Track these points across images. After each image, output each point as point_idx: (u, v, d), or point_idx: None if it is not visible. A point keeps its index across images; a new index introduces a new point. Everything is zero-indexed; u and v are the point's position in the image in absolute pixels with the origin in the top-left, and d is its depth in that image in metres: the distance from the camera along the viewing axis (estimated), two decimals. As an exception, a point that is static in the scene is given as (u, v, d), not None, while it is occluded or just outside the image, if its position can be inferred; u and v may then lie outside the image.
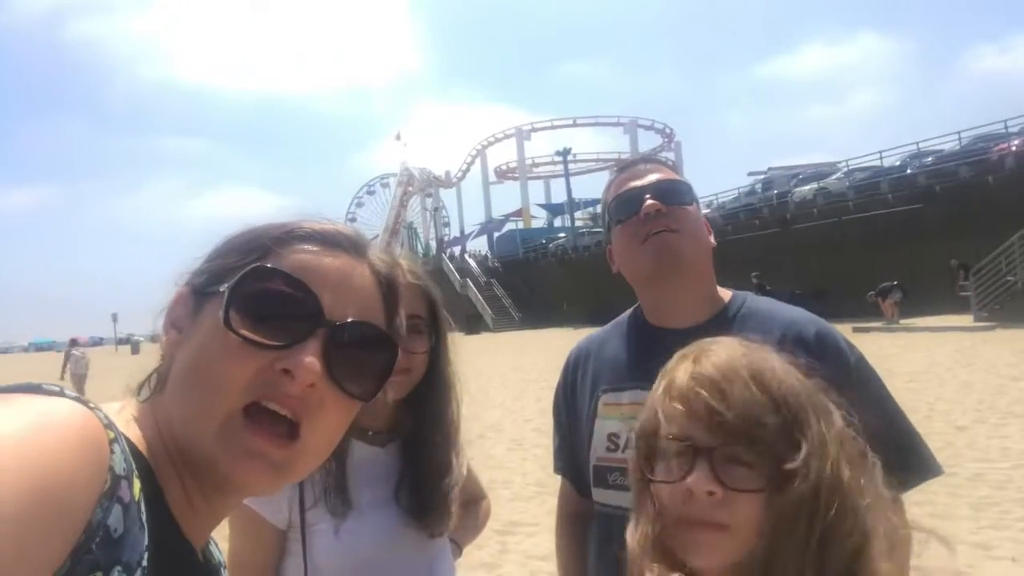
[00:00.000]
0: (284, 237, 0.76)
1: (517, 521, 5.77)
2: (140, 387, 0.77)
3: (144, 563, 0.59)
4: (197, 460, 0.69)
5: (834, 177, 31.22)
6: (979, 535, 4.68)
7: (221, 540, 1.33)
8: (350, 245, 0.79)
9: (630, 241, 1.50)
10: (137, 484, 0.61)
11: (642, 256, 1.48)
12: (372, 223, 76.77)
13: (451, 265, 52.97)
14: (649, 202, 1.47)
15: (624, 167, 1.62)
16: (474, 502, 1.83)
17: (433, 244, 65.50)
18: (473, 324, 42.00)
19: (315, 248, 0.76)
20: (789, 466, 0.86)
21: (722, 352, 0.95)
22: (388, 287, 0.81)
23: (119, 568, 0.56)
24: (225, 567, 0.88)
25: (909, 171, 27.58)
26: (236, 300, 0.70)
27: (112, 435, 0.60)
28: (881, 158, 30.58)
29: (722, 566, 0.90)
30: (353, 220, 78.30)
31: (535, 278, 46.84)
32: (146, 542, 0.60)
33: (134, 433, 0.69)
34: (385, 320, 0.80)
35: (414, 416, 1.54)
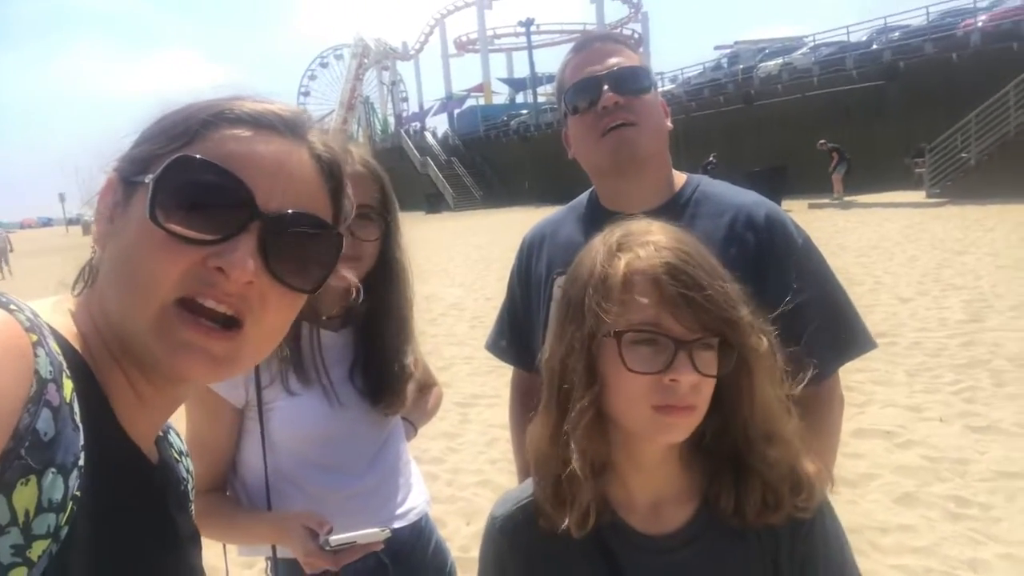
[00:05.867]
0: (213, 120, 0.69)
1: (478, 394, 5.99)
2: (75, 282, 0.73)
3: (80, 462, 0.58)
4: (136, 352, 0.67)
5: (800, 52, 30.71)
6: (912, 398, 5.00)
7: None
8: (286, 127, 0.72)
9: (587, 134, 1.47)
10: (69, 384, 0.59)
11: (600, 150, 1.45)
12: (327, 97, 73.85)
13: (410, 143, 51.62)
14: (607, 94, 1.42)
15: (580, 46, 1.55)
16: (425, 388, 1.87)
17: (392, 120, 63.50)
18: (434, 203, 41.54)
19: (247, 132, 0.69)
20: (755, 349, 0.93)
21: (663, 237, 0.95)
22: (330, 171, 0.75)
23: (53, 470, 0.55)
24: (185, 455, 0.87)
25: (875, 46, 27.20)
26: (162, 192, 0.65)
27: (35, 338, 0.57)
28: (848, 33, 30.11)
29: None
30: (307, 94, 75.29)
31: (497, 156, 46.06)
32: (81, 441, 0.58)
33: (69, 329, 0.66)
34: (329, 207, 0.75)
35: (367, 302, 1.54)
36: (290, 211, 0.69)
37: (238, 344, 0.68)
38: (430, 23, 65.57)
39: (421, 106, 66.67)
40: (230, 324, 0.67)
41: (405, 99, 69.68)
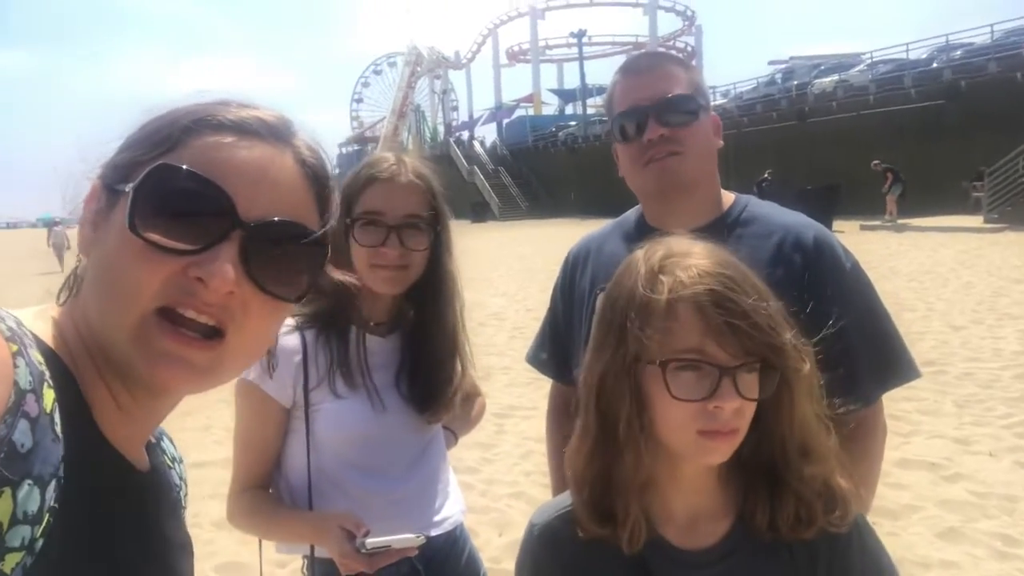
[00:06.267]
0: (194, 126, 0.68)
1: (514, 405, 6.01)
2: (60, 290, 0.73)
3: (60, 474, 0.57)
4: (117, 362, 0.66)
5: (856, 69, 30.11)
6: (961, 430, 4.85)
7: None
8: (269, 133, 0.71)
9: (632, 163, 1.49)
10: (50, 395, 0.58)
11: (644, 179, 1.48)
12: (379, 104, 75.19)
13: (459, 151, 52.05)
14: (652, 126, 1.43)
15: (629, 68, 1.56)
16: (469, 397, 1.90)
17: (441, 129, 64.21)
18: (480, 212, 41.78)
19: (229, 139, 0.68)
20: (797, 371, 0.92)
21: (705, 260, 0.95)
22: (316, 176, 0.74)
23: (29, 482, 0.54)
24: (179, 461, 0.88)
25: (936, 65, 26.51)
26: (141, 201, 0.64)
27: (16, 347, 0.56)
28: (907, 50, 29.41)
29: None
30: (360, 101, 76.84)
31: (543, 167, 46.10)
32: (61, 453, 0.58)
33: (53, 338, 0.66)
34: (315, 213, 0.74)
35: (415, 310, 1.58)
36: (273, 219, 0.68)
37: (219, 354, 0.67)
38: (483, 33, 66.18)
39: (471, 115, 67.27)
40: (211, 334, 0.66)
41: (455, 108, 70.56)
